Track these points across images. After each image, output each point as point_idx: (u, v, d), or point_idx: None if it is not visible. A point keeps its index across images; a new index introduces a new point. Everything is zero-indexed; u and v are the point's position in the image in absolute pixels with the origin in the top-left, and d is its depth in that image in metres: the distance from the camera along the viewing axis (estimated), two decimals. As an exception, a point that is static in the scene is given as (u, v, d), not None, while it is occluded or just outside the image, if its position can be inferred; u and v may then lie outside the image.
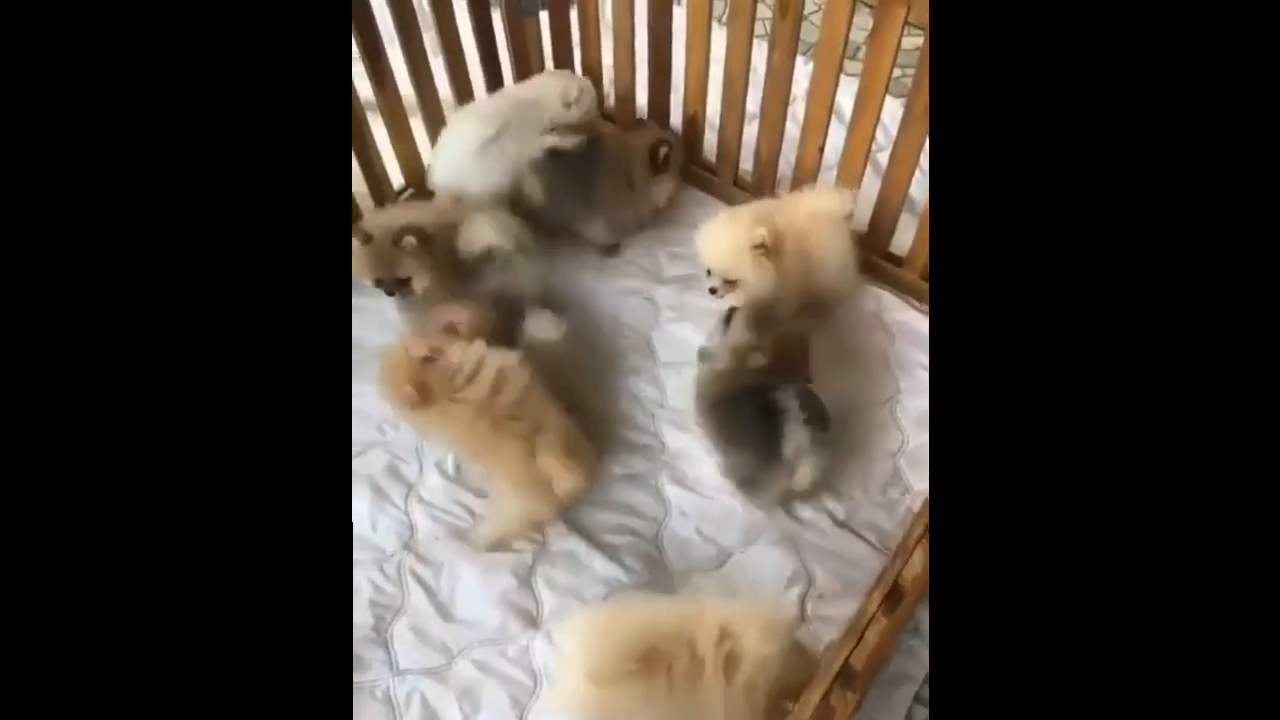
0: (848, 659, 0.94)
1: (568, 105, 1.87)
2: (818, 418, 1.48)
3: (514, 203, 1.84)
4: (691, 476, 1.61)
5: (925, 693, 1.38)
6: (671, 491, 1.59)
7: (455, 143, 1.84)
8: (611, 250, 1.92)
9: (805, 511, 1.56)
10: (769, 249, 1.60)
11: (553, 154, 1.81)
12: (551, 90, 1.88)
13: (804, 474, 1.48)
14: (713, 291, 1.68)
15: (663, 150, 1.85)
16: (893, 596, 1.00)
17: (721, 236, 1.64)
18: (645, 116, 2.02)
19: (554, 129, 1.85)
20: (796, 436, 1.45)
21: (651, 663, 1.07)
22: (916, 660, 1.41)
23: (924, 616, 1.42)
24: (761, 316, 1.60)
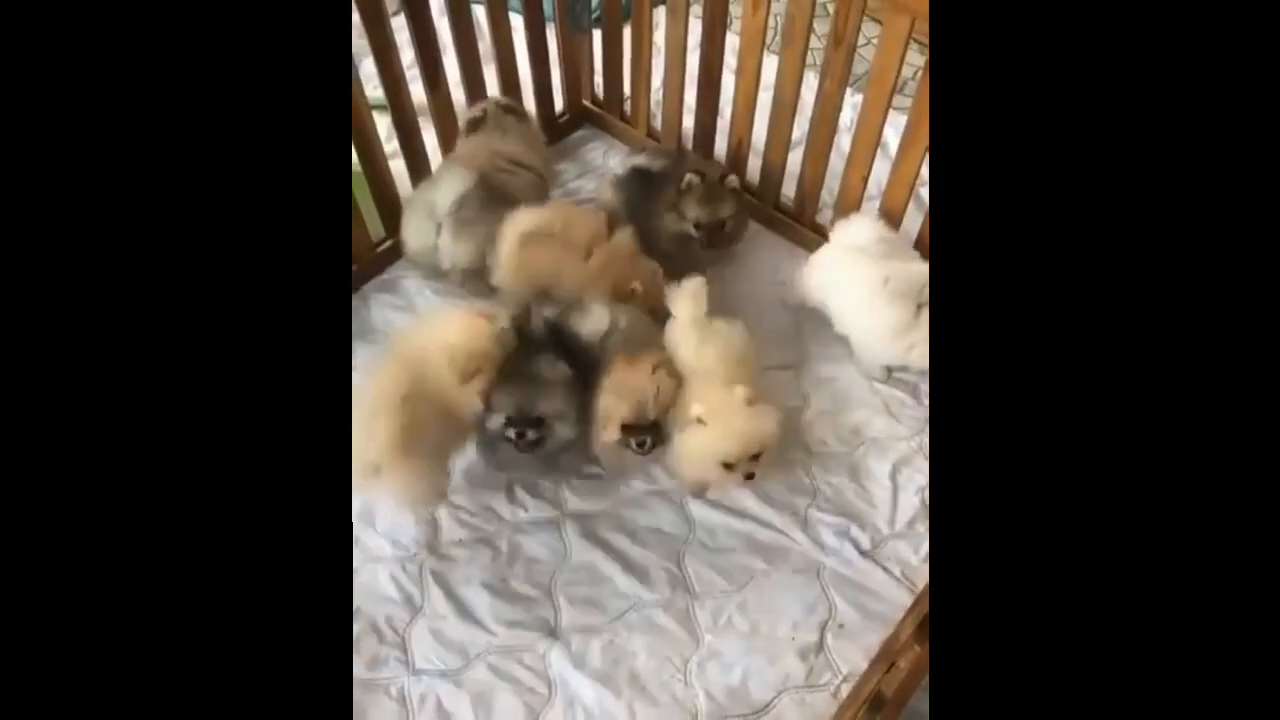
0: (878, 685, 0.93)
1: None
2: None
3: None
4: (716, 496, 1.60)
5: (944, 731, 1.36)
6: (696, 510, 1.59)
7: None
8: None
9: (830, 540, 1.55)
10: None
11: (636, 172, 1.80)
12: None
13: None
14: (749, 478, 1.47)
15: (688, 179, 1.73)
16: (926, 626, 0.99)
17: (732, 429, 1.43)
18: (691, 138, 2.03)
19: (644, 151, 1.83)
20: None
21: None
22: (936, 697, 1.39)
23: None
24: None
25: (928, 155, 1.67)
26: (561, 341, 1.56)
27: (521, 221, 1.66)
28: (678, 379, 1.50)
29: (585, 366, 1.52)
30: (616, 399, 1.45)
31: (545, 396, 1.46)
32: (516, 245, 1.65)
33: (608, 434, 1.47)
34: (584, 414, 1.50)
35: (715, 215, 1.74)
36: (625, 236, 1.70)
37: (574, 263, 1.65)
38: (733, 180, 1.77)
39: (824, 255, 1.74)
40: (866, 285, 1.63)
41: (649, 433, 1.47)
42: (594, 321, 1.56)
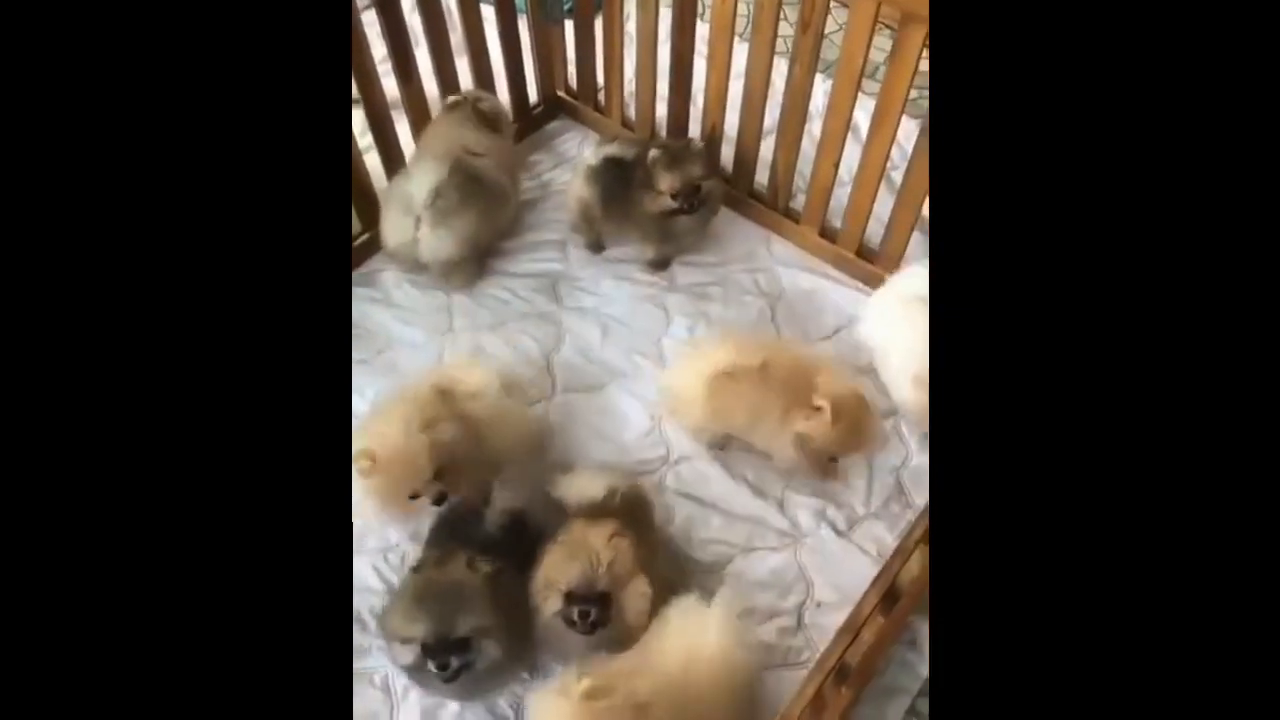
0: (843, 655, 0.95)
1: None
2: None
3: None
4: (696, 480, 1.62)
5: (920, 705, 1.38)
6: (675, 495, 1.60)
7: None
8: (658, 265, 1.92)
9: (807, 521, 1.57)
10: None
11: (609, 162, 1.82)
12: None
13: None
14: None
15: (652, 152, 1.77)
16: (889, 597, 1.01)
17: None
18: (665, 127, 2.04)
19: (615, 139, 1.85)
20: None
21: None
22: (911, 673, 1.41)
23: (921, 629, 1.43)
24: None
25: (914, 142, 1.69)
26: (521, 538, 1.36)
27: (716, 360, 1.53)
28: (648, 557, 1.29)
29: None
30: (565, 559, 1.26)
31: (466, 610, 1.22)
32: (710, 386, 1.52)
33: (549, 604, 1.27)
34: (517, 623, 1.28)
35: (688, 176, 1.76)
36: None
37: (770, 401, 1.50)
38: (697, 143, 1.81)
39: (881, 304, 1.68)
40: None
41: (595, 604, 1.24)
42: (585, 488, 1.38)
